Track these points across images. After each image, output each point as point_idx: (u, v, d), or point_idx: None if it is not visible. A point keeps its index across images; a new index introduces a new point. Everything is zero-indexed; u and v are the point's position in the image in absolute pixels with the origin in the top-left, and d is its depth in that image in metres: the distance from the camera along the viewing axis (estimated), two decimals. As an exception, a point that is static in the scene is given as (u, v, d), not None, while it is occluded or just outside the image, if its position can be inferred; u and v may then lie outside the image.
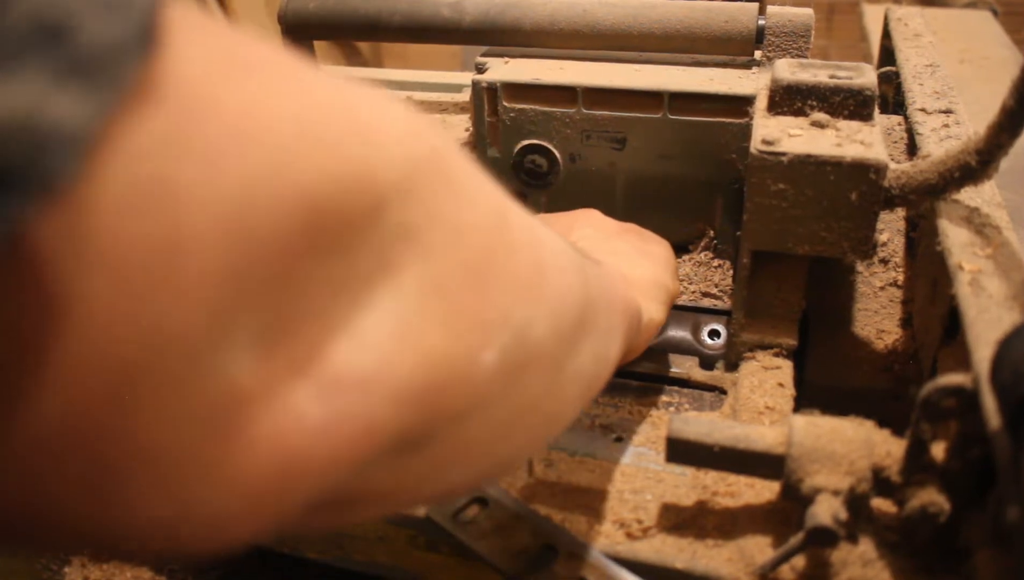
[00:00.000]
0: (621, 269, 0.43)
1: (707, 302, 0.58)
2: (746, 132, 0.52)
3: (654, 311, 0.44)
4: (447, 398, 0.20)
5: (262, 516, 0.17)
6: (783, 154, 0.43)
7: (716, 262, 0.60)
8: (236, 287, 0.15)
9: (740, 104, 0.53)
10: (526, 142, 0.59)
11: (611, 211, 0.52)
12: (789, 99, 0.47)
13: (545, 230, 0.27)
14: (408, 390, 0.19)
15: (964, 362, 0.34)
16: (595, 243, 0.47)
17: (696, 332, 0.55)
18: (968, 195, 0.43)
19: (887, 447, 0.35)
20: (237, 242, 0.15)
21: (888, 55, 0.73)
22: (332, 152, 0.17)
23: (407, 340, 0.19)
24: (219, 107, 0.15)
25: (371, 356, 0.18)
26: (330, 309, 0.17)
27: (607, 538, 0.40)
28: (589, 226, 0.49)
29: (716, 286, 0.59)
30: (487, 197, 0.23)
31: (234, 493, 0.16)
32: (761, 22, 0.57)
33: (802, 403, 0.48)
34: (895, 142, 0.58)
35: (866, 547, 0.36)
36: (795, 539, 0.34)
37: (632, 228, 0.51)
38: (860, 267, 0.55)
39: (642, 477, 0.44)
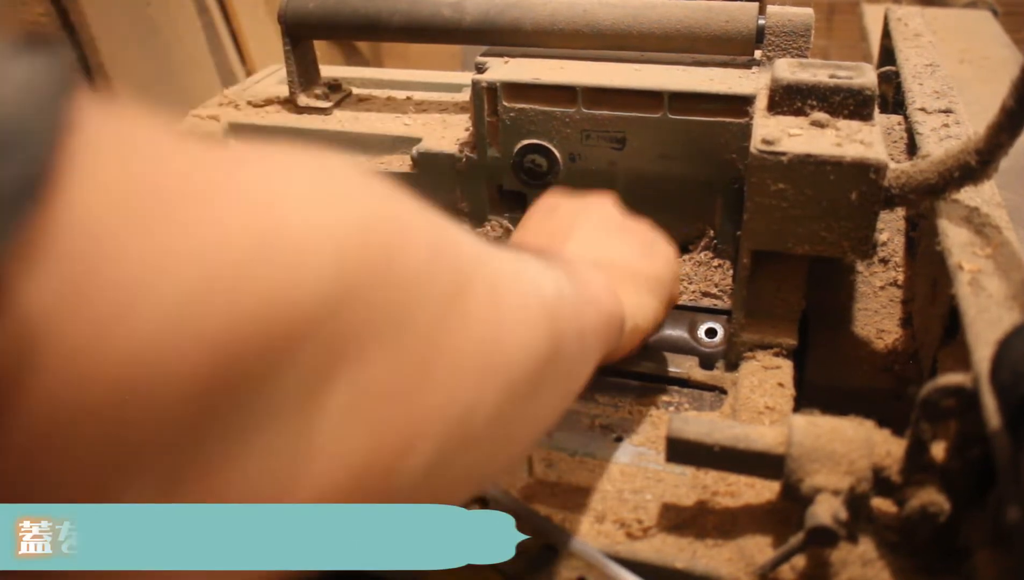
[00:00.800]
0: (617, 265, 0.42)
1: (707, 302, 0.58)
2: (746, 132, 0.52)
3: (649, 310, 0.43)
4: (364, 500, 0.19)
5: None
6: (783, 154, 0.43)
7: (716, 262, 0.60)
8: (129, 452, 0.14)
9: (740, 104, 0.53)
10: (526, 142, 0.59)
11: (611, 211, 0.52)
12: (789, 99, 0.47)
13: (511, 275, 0.25)
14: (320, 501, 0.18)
15: (964, 362, 0.34)
16: (594, 243, 0.45)
17: (693, 330, 0.55)
18: (968, 195, 0.43)
19: (887, 447, 0.35)
20: (132, 408, 0.13)
21: (888, 55, 0.73)
22: (245, 289, 0.15)
23: (323, 457, 0.17)
24: (118, 258, 0.13)
25: (280, 480, 0.17)
26: (241, 444, 0.16)
27: (607, 538, 0.40)
28: (593, 223, 0.47)
29: (716, 286, 0.59)
30: (440, 269, 0.21)
31: None
32: (761, 22, 0.57)
33: (802, 403, 0.48)
34: (895, 142, 0.58)
35: (866, 547, 0.36)
36: (795, 539, 0.34)
37: (639, 227, 0.49)
38: (860, 267, 0.55)
39: (642, 477, 0.44)
